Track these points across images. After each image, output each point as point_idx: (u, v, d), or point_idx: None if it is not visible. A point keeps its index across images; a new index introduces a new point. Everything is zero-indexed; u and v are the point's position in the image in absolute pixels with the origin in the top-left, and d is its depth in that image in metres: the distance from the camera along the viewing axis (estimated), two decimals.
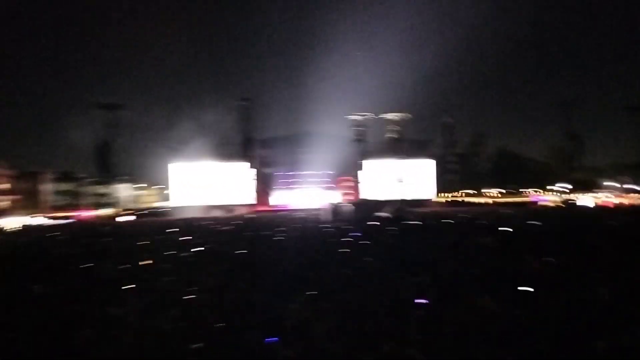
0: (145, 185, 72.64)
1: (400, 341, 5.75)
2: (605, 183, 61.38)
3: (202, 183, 57.77)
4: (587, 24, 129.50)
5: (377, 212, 30.33)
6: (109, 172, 53.53)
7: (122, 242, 20.53)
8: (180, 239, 21.90)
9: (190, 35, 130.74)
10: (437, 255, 13.12)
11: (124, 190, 65.30)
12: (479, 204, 62.35)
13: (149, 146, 60.25)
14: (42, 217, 49.54)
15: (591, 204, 51.19)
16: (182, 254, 15.31)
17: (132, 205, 66.11)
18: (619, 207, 44.65)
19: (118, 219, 48.08)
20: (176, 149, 56.94)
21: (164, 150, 57.86)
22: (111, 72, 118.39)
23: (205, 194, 57.52)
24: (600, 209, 42.58)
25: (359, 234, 20.71)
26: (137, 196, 71.33)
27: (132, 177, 66.37)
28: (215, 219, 43.26)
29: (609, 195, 55.40)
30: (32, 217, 49.06)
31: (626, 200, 51.99)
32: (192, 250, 16.51)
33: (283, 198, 64.97)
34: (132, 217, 50.52)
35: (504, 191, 66.77)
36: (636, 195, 53.42)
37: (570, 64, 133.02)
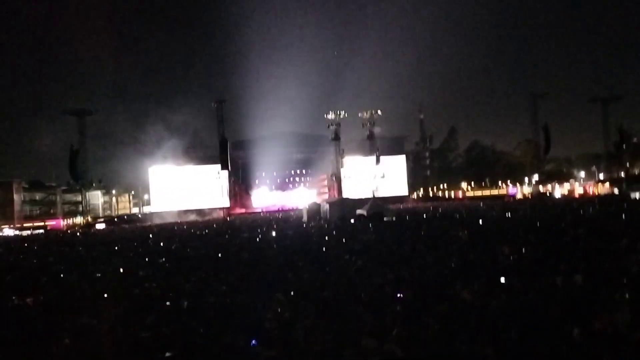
0: (119, 191, 71.11)
1: (380, 337, 5.79)
2: (575, 174, 62.99)
3: (181, 186, 57.01)
4: (555, 18, 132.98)
5: (354, 210, 30.48)
6: (81, 180, 52.27)
7: (95, 251, 20.12)
8: (155, 244, 21.61)
9: (161, 36, 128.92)
10: (414, 250, 13.26)
11: (96, 198, 63.90)
12: (454, 199, 63.25)
13: (121, 152, 59.02)
14: (11, 229, 48.07)
15: (560, 194, 52.62)
16: (159, 260, 15.09)
17: (105, 213, 64.64)
18: (586, 196, 45.93)
19: (91, 227, 47.07)
20: (150, 153, 56.12)
21: (136, 156, 56.92)
22: (79, 77, 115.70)
23: (184, 197, 56.83)
24: (569, 199, 43.68)
25: (336, 232, 20.80)
26: (110, 203, 69.83)
27: (104, 184, 65.01)
28: (191, 223, 42.82)
29: (578, 185, 56.91)
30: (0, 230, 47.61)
31: (594, 189, 53.50)
32: (169, 255, 16.30)
33: (260, 200, 64.62)
34: (105, 225, 49.45)
35: (478, 185, 67.87)
36: (603, 184, 55.00)
37: (538, 57, 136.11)
